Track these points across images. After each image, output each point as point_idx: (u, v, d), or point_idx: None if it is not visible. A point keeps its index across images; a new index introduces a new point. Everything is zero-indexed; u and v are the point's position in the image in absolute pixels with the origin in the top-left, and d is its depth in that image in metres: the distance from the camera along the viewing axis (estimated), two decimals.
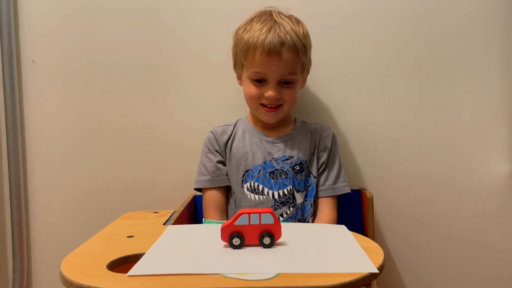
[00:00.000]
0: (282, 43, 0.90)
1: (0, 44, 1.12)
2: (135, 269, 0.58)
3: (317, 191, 1.00)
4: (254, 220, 0.67)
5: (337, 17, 1.11)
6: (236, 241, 0.66)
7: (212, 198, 0.99)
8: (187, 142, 1.14)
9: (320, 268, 0.59)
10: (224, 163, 1.01)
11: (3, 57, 1.12)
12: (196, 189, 1.02)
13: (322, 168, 1.01)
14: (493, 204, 1.13)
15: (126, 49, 1.14)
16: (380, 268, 0.59)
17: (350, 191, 1.01)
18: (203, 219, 0.92)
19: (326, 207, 0.99)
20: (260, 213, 0.67)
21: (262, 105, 0.97)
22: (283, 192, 0.95)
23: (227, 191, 1.02)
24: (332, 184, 1.00)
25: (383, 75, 1.12)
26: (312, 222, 0.98)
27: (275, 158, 0.98)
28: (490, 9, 1.09)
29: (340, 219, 0.99)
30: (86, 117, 1.16)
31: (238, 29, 0.98)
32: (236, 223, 0.67)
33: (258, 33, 0.92)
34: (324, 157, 1.01)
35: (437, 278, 1.16)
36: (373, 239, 0.96)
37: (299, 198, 0.96)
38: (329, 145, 1.01)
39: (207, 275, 0.56)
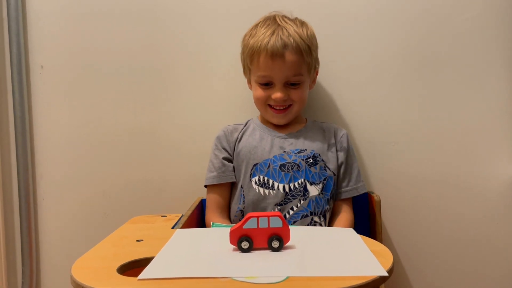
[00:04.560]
0: (284, 45, 0.92)
1: (9, 50, 1.14)
2: (145, 273, 0.59)
3: (339, 192, 1.00)
4: (263, 223, 0.67)
5: (344, 19, 1.11)
6: (245, 245, 0.67)
7: (214, 197, 1.00)
8: (194, 146, 1.15)
9: (330, 271, 0.59)
10: (230, 160, 1.02)
11: (12, 62, 1.14)
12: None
13: (343, 169, 1.01)
14: (501, 206, 1.12)
15: (134, 54, 1.15)
16: (390, 271, 0.59)
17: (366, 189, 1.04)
18: (211, 223, 0.93)
19: (349, 207, 1.01)
20: (268, 216, 0.67)
21: (270, 106, 0.98)
22: (294, 185, 0.95)
23: (231, 189, 1.02)
24: (355, 184, 1.01)
25: (390, 78, 1.12)
26: (332, 222, 0.98)
27: (287, 152, 0.98)
28: (495, 12, 1.09)
29: None
30: (94, 121, 1.17)
31: (245, 35, 1.00)
32: (244, 226, 0.67)
33: (262, 37, 0.94)
34: (343, 158, 1.01)
35: (445, 281, 1.15)
36: (381, 242, 0.95)
37: (313, 191, 0.96)
38: (345, 145, 1.02)
39: (216, 278, 0.57)
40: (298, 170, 0.96)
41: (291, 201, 0.95)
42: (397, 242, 1.15)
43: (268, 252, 0.67)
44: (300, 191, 0.95)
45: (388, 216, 1.14)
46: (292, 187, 0.95)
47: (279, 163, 0.97)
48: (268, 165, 0.97)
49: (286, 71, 0.93)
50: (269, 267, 0.61)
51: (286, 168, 0.96)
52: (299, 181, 0.95)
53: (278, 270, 0.59)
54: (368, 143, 1.13)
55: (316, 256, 0.65)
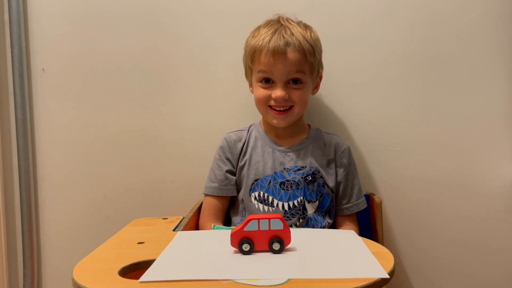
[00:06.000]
0: (287, 43, 0.91)
1: (11, 53, 1.14)
2: (147, 275, 0.59)
3: (339, 209, 1.00)
4: (264, 225, 0.67)
5: (345, 22, 1.11)
6: (246, 247, 0.67)
7: (212, 204, 0.99)
8: (196, 148, 1.15)
9: (331, 273, 0.59)
10: (233, 173, 1.01)
11: (14, 66, 1.14)
12: None
13: (342, 187, 1.00)
14: (502, 207, 1.12)
15: (135, 57, 1.15)
16: (391, 273, 0.59)
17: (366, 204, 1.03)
18: (213, 225, 0.93)
19: (352, 221, 1.00)
20: (269, 218, 0.67)
21: (271, 108, 0.96)
22: (293, 203, 0.95)
23: (230, 200, 1.02)
24: (356, 200, 1.00)
25: (390, 80, 1.12)
26: None
27: (287, 169, 0.97)
28: (496, 14, 1.09)
29: None
30: (95, 124, 1.17)
31: (248, 37, 0.99)
32: (245, 229, 0.67)
33: (264, 36, 0.93)
34: (342, 175, 1.00)
35: (447, 282, 1.15)
36: (383, 244, 0.95)
37: (310, 209, 0.95)
38: (345, 161, 1.00)
39: (218, 281, 0.57)
40: (297, 188, 0.95)
41: (290, 219, 0.94)
42: (399, 243, 1.15)
43: (269, 254, 0.67)
44: (299, 210, 0.94)
45: (389, 217, 1.14)
46: (291, 205, 0.94)
47: (279, 180, 0.96)
48: (268, 181, 0.96)
49: (288, 67, 0.92)
50: (270, 269, 0.61)
51: (285, 186, 0.95)
52: (298, 200, 0.95)
53: (279, 272, 0.59)
54: (369, 145, 1.13)
55: (317, 258, 0.65)
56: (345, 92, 1.13)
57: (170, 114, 1.16)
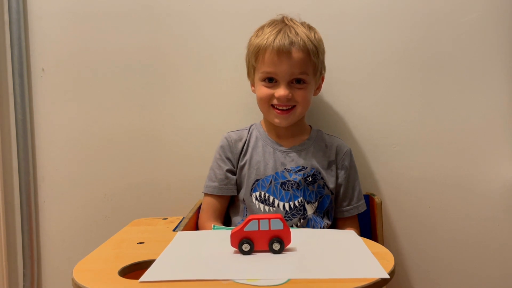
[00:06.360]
0: (291, 43, 0.91)
1: (11, 53, 1.14)
2: (147, 275, 0.59)
3: (340, 211, 1.00)
4: (264, 226, 0.67)
5: (344, 23, 1.12)
6: (246, 247, 0.67)
7: (211, 203, 0.99)
8: (196, 148, 1.15)
9: (331, 273, 0.59)
10: (233, 172, 1.01)
11: (14, 66, 1.14)
12: None
13: (343, 189, 1.00)
14: (502, 207, 1.12)
15: (135, 56, 1.15)
16: (391, 273, 0.59)
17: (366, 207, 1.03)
18: (213, 225, 0.93)
19: (354, 223, 1.00)
20: (269, 219, 0.67)
21: (273, 107, 0.96)
22: (294, 203, 0.95)
23: (230, 199, 1.02)
24: (356, 203, 1.00)
25: (390, 80, 1.12)
26: None
27: (288, 169, 0.97)
28: (496, 14, 1.09)
29: None
30: (95, 124, 1.17)
31: (251, 37, 0.99)
32: (245, 229, 0.67)
33: (268, 35, 0.93)
34: (343, 177, 1.00)
35: (447, 282, 1.15)
36: (383, 244, 0.95)
37: (309, 210, 0.95)
38: (347, 164, 1.01)
39: (218, 281, 0.57)
40: (297, 188, 0.95)
41: (291, 220, 0.94)
42: (399, 243, 1.15)
43: (269, 254, 0.67)
44: (300, 210, 0.94)
45: (389, 218, 1.14)
46: (292, 205, 0.94)
47: (280, 180, 0.96)
48: (269, 182, 0.96)
49: (292, 67, 0.92)
50: (270, 269, 0.61)
51: (286, 186, 0.96)
52: (299, 200, 0.95)
53: (279, 272, 0.59)
54: (369, 145, 1.13)
55: (317, 258, 0.65)
56: (345, 92, 1.13)
57: (170, 114, 1.16)
